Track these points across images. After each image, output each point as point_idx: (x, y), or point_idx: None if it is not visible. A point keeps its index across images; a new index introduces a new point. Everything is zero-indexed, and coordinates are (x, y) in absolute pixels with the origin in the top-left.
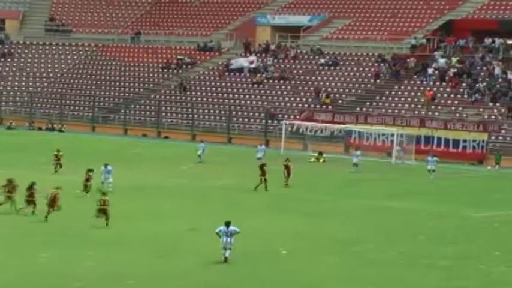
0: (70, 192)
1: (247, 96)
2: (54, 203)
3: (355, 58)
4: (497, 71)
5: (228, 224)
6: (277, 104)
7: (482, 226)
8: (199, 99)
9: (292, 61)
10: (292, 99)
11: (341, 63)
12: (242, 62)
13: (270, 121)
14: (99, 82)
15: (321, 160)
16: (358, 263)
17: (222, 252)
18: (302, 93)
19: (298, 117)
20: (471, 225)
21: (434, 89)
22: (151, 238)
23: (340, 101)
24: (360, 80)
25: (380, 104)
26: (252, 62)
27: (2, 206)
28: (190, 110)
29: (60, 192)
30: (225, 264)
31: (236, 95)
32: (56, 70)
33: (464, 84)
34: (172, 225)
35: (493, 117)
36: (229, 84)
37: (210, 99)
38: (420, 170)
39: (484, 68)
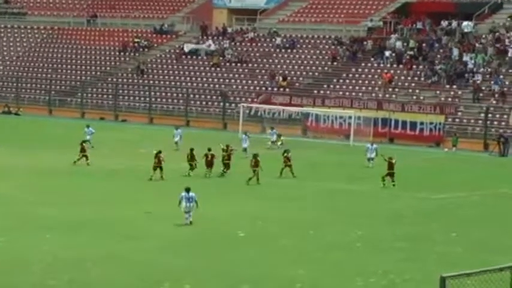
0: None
1: (204, 79)
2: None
3: (312, 41)
4: (455, 53)
5: (188, 190)
6: (234, 86)
7: (439, 208)
8: (157, 82)
9: (249, 44)
10: (250, 82)
11: (298, 46)
12: (199, 46)
13: (227, 104)
14: (55, 65)
15: (279, 143)
16: (316, 246)
17: (185, 216)
18: (259, 76)
19: (255, 100)
20: (428, 207)
21: (392, 71)
22: (109, 222)
23: (297, 84)
24: (317, 62)
25: (337, 86)
26: (209, 46)
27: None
28: (147, 93)
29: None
30: (184, 246)
31: (193, 78)
32: (12, 53)
33: (421, 67)
34: (129, 209)
35: (449, 99)
36: (186, 67)
37: (167, 82)
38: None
39: (441, 50)
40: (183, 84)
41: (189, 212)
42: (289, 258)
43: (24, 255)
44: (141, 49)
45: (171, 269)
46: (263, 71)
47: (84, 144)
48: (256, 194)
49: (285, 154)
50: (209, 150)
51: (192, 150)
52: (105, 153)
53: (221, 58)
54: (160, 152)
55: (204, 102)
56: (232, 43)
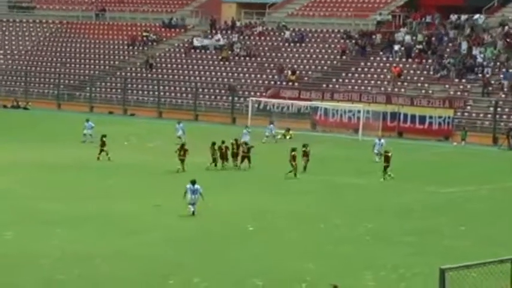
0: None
1: (213, 73)
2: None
3: (321, 35)
4: (464, 46)
5: (193, 182)
6: (243, 81)
7: (448, 202)
8: (165, 76)
9: (258, 38)
10: (259, 76)
11: (307, 39)
12: (207, 41)
13: (236, 98)
14: (64, 59)
15: (288, 137)
16: (325, 240)
17: (189, 207)
18: (268, 70)
19: (264, 94)
20: (437, 201)
21: (401, 65)
22: (117, 216)
23: (306, 78)
24: (326, 56)
25: (346, 80)
26: (218, 40)
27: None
28: (156, 87)
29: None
30: (192, 240)
31: (202, 72)
32: (20, 47)
33: (430, 61)
34: (138, 203)
35: (458, 93)
36: (195, 61)
37: (176, 76)
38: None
39: (450, 44)
40: (192, 78)
41: (193, 204)
42: (298, 252)
43: (32, 249)
44: (149, 43)
45: (180, 263)
46: (272, 65)
47: (104, 139)
48: (265, 187)
49: (304, 148)
50: (223, 142)
51: (213, 144)
52: (113, 147)
53: (230, 52)
54: (184, 144)
55: (212, 97)
56: (241, 37)
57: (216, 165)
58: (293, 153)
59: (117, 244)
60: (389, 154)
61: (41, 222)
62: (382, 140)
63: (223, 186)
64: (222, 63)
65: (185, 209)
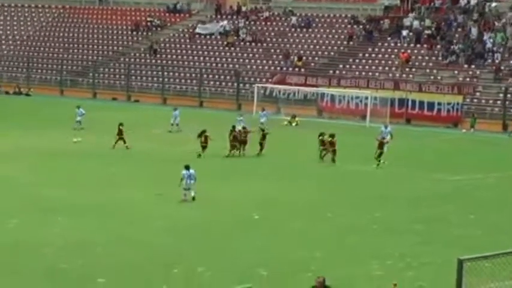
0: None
1: (218, 59)
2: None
3: (328, 20)
4: (473, 32)
5: (188, 168)
6: (249, 66)
7: (456, 190)
8: (170, 62)
9: (264, 23)
10: (265, 62)
11: (313, 25)
12: (212, 27)
13: (241, 84)
14: (67, 45)
15: (294, 123)
16: (331, 228)
17: (183, 193)
18: (274, 56)
19: (270, 80)
20: (445, 189)
21: (409, 51)
22: (119, 204)
23: (312, 64)
24: (332, 42)
25: (353, 66)
26: (222, 27)
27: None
28: (160, 73)
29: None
30: (196, 229)
31: (207, 58)
32: (22, 33)
33: (439, 46)
34: (141, 191)
35: (468, 79)
36: (199, 46)
37: (180, 62)
38: (393, 134)
39: (459, 29)
40: (197, 64)
41: (189, 189)
42: (304, 241)
43: (35, 238)
44: (154, 28)
45: (184, 251)
46: (278, 51)
47: (121, 127)
48: (269, 175)
49: (331, 139)
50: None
51: (233, 129)
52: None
53: (235, 37)
54: (205, 131)
55: (218, 83)
56: (247, 22)
57: (235, 151)
58: (321, 137)
59: (120, 233)
60: (385, 141)
61: (43, 210)
62: (389, 128)
63: (228, 173)
64: (227, 48)
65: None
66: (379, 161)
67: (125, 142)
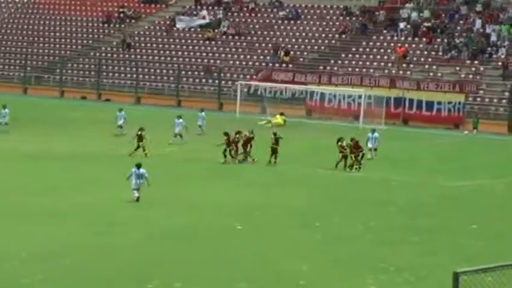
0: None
1: (198, 54)
2: None
3: (318, 11)
4: (477, 24)
5: (139, 166)
6: (231, 62)
7: (458, 197)
8: (145, 57)
9: (248, 15)
10: (249, 57)
11: (303, 17)
12: (191, 21)
13: (223, 82)
14: (31, 38)
15: (268, 124)
16: (321, 239)
17: (133, 193)
18: (259, 51)
19: (254, 77)
20: (446, 195)
21: (406, 45)
22: (90, 210)
23: (301, 59)
24: (323, 35)
25: (346, 62)
26: (203, 18)
27: None
28: (134, 69)
29: None
30: (174, 238)
31: (186, 53)
32: None
33: (439, 40)
34: (113, 196)
35: (470, 76)
36: (177, 40)
37: (156, 58)
38: (389, 135)
39: (461, 21)
40: (174, 59)
41: (138, 189)
42: (291, 253)
43: None
44: (127, 20)
45: (160, 264)
46: (263, 45)
47: (141, 132)
48: (254, 180)
49: (356, 142)
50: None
51: (237, 133)
52: (86, 135)
53: (216, 31)
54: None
55: (197, 80)
56: (229, 14)
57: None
58: (340, 143)
59: (91, 241)
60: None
61: (6, 217)
62: (376, 134)
63: (208, 178)
64: (207, 42)
65: (169, 203)
66: (360, 164)
67: (144, 150)
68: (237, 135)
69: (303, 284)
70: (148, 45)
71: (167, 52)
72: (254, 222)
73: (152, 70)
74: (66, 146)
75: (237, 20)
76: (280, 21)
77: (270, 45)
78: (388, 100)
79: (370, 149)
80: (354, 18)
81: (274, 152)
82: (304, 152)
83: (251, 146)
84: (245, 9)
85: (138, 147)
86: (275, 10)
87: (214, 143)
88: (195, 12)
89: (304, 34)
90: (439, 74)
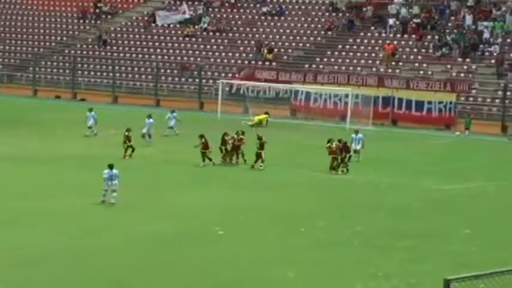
0: None
1: (177, 52)
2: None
3: (303, 7)
4: (468, 21)
5: (111, 167)
6: (212, 60)
7: (449, 200)
8: (122, 54)
9: (229, 10)
10: (230, 54)
11: (287, 12)
12: (171, 16)
13: (204, 80)
14: (3, 35)
15: (250, 123)
16: (307, 244)
17: (103, 194)
18: (242, 48)
19: (237, 75)
20: (437, 199)
21: (395, 42)
22: (63, 216)
23: (285, 57)
24: (308, 32)
25: (332, 59)
26: (184, 12)
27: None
28: (110, 67)
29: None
30: (152, 243)
31: (164, 50)
32: None
33: (429, 37)
34: (86, 201)
35: (462, 75)
36: (156, 37)
37: (134, 55)
38: (377, 136)
39: (452, 17)
40: (153, 57)
41: (113, 192)
42: (276, 259)
43: None
44: (103, 16)
45: (138, 269)
46: (246, 42)
47: (128, 133)
48: (237, 183)
49: (344, 142)
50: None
51: (224, 134)
52: (59, 137)
53: (196, 27)
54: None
55: (176, 79)
56: (210, 9)
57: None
58: (329, 144)
59: (64, 248)
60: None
61: None
62: (360, 135)
63: (188, 180)
64: (187, 39)
65: (147, 207)
66: (346, 166)
67: (133, 150)
68: (226, 137)
69: None
70: (126, 42)
71: (145, 49)
72: (237, 227)
73: (130, 68)
74: (38, 147)
75: (218, 15)
76: (263, 17)
77: (252, 42)
78: (376, 99)
79: (354, 150)
80: (340, 14)
81: (258, 157)
82: (289, 154)
83: (240, 150)
84: (226, 4)
85: (128, 148)
86: (258, 5)
87: (194, 144)
88: (174, 8)
89: (288, 31)
90: (430, 73)
